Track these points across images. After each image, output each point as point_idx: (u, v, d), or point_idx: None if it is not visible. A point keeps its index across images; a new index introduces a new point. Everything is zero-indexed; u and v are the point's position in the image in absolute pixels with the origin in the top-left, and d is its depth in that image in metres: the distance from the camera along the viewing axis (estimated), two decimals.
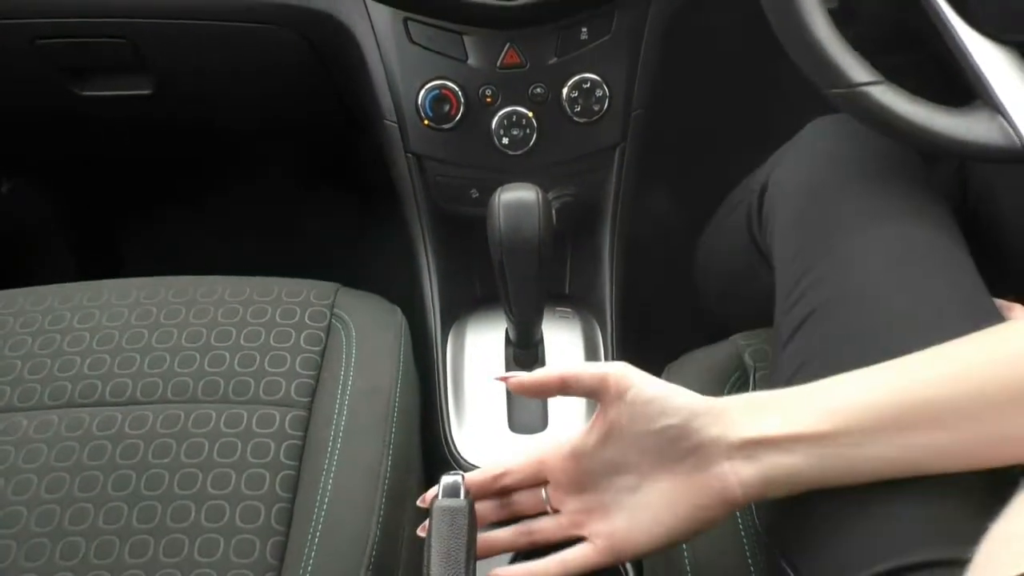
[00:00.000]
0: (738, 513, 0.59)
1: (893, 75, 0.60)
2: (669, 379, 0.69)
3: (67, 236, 1.17)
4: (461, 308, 0.86)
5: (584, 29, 0.79)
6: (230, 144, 1.09)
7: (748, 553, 0.57)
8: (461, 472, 0.51)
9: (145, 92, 0.89)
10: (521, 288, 0.71)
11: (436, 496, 0.49)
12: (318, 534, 0.61)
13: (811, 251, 0.63)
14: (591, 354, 0.81)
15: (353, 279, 0.79)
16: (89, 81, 0.89)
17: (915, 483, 0.46)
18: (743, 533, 0.59)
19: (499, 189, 0.69)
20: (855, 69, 0.59)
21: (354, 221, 1.14)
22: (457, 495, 0.50)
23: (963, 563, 0.39)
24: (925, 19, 0.62)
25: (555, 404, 0.78)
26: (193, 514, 0.62)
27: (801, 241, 0.64)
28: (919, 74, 0.65)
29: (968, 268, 0.60)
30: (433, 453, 0.76)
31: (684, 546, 0.60)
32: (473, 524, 0.49)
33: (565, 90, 0.79)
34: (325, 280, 0.77)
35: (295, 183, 1.21)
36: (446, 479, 0.50)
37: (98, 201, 1.22)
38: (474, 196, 0.82)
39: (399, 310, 0.76)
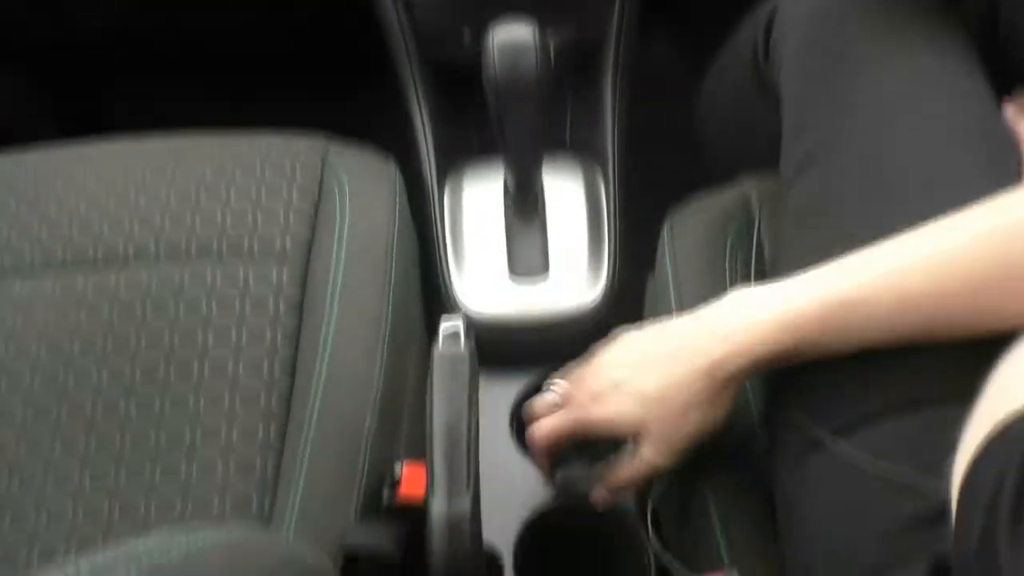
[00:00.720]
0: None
1: None
2: (673, 227, 0.68)
3: (46, 95, 1.13)
4: (457, 159, 0.83)
5: None
6: (208, 5, 1.03)
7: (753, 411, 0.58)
8: (460, 316, 0.50)
9: None
10: (518, 133, 0.68)
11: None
12: (322, 384, 0.61)
13: (819, 82, 0.60)
14: (593, 201, 0.79)
15: (345, 134, 0.76)
16: None
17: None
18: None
19: (493, 27, 0.65)
20: None
21: (343, 78, 1.09)
22: (458, 342, 0.49)
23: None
24: None
25: (556, 248, 0.77)
26: (196, 370, 0.62)
27: (809, 71, 0.61)
28: None
29: (982, 95, 0.56)
30: (434, 303, 0.75)
31: None
32: (475, 369, 0.49)
33: None
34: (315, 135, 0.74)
35: (278, 41, 1.15)
36: (446, 326, 0.49)
37: (80, 79, 1.17)
38: (467, 40, 0.78)
39: (393, 161, 0.74)
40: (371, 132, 0.79)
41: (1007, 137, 0.55)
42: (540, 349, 0.74)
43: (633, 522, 0.65)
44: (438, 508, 0.44)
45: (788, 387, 0.51)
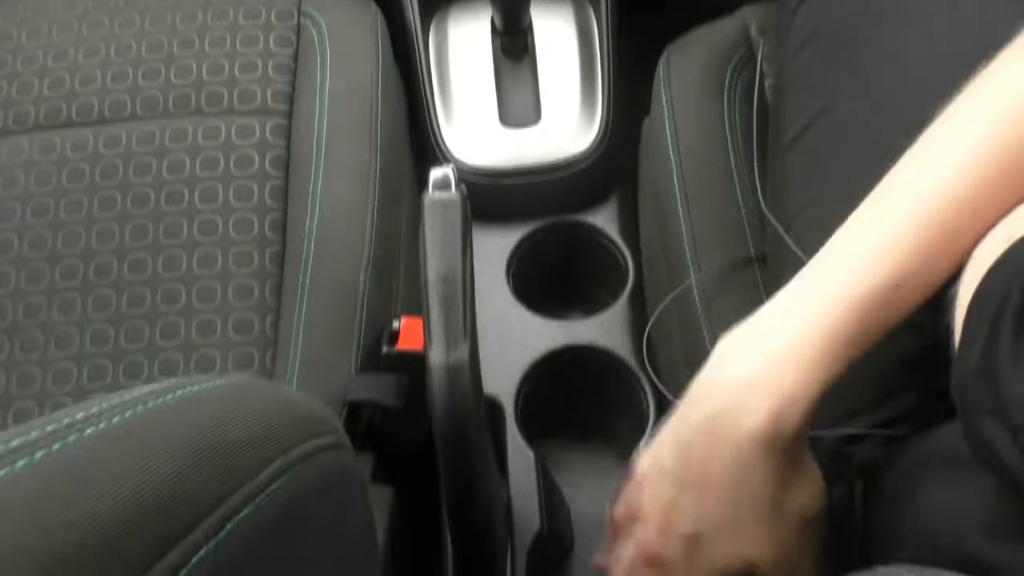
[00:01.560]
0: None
1: None
2: (669, 62, 0.65)
3: None
4: (440, 1, 0.78)
5: None
6: None
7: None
8: (450, 165, 0.49)
9: None
10: None
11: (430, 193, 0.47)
12: (313, 240, 0.60)
13: None
14: (585, 40, 0.76)
15: None
16: None
17: None
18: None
19: None
20: None
21: None
22: (448, 188, 0.48)
23: None
24: None
25: (547, 93, 0.74)
26: (186, 230, 0.61)
27: None
28: None
29: None
30: (423, 154, 0.73)
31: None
32: (467, 216, 0.48)
33: None
34: None
35: None
36: (435, 172, 0.48)
37: None
38: None
39: (374, 4, 0.70)
40: None
41: None
42: (534, 199, 0.73)
43: (631, 369, 0.66)
44: (436, 358, 0.44)
45: (797, 204, 0.49)
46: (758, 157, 0.56)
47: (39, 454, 0.22)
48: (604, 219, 0.73)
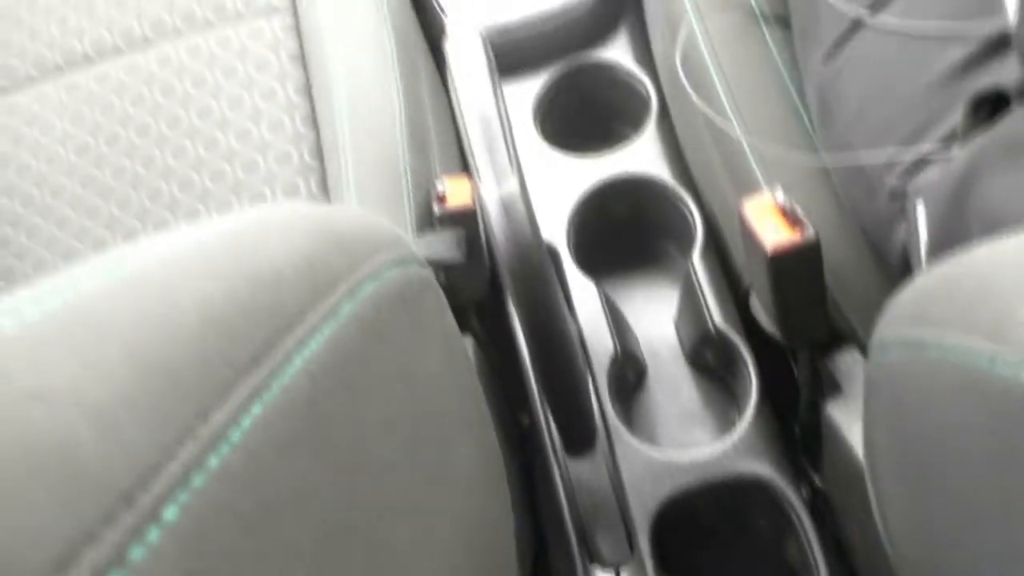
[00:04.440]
0: None
1: None
2: None
3: None
4: None
5: None
6: None
7: None
8: (464, 15, 0.49)
9: None
10: None
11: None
12: (346, 126, 0.62)
13: None
14: None
15: None
16: None
17: None
18: None
19: None
20: None
21: None
22: (467, 35, 0.49)
23: None
24: None
25: None
26: (223, 140, 0.63)
27: None
28: None
29: None
30: (429, 23, 0.73)
31: None
32: (490, 56, 0.49)
33: None
34: None
35: None
36: (452, 21, 0.49)
37: None
38: None
39: None
40: None
41: None
42: (544, 45, 0.73)
43: (673, 190, 0.68)
44: (489, 193, 0.46)
45: None
46: None
47: (83, 287, 0.19)
48: (618, 52, 0.74)
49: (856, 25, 0.45)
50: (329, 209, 0.30)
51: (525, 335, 0.52)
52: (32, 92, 0.66)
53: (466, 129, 0.46)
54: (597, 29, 0.73)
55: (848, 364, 0.52)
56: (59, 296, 0.18)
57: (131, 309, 0.19)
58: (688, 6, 0.58)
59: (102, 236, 0.64)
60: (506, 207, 0.46)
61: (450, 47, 0.48)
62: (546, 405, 0.64)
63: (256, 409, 0.19)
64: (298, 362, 0.22)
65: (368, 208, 0.61)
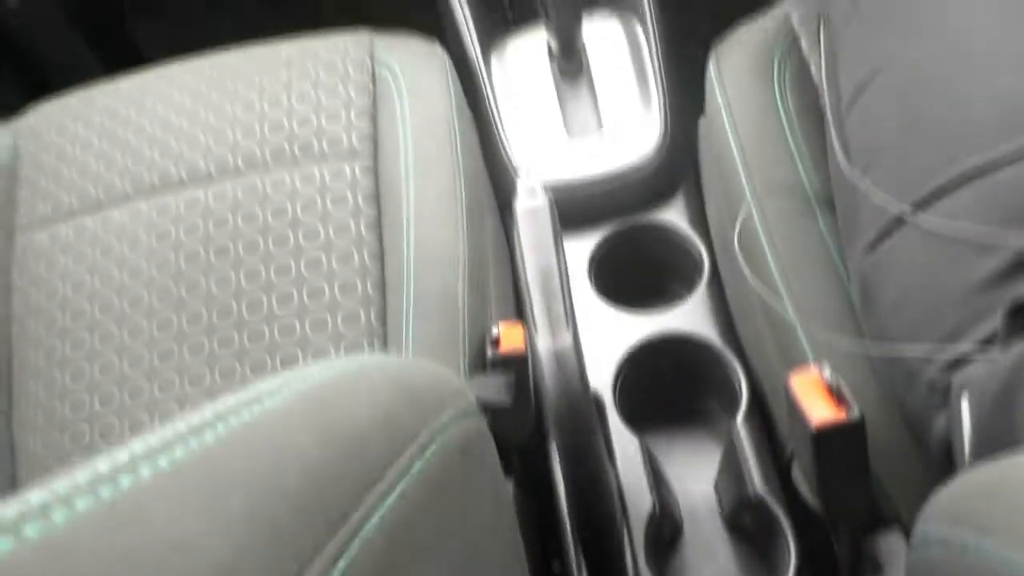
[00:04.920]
0: None
1: None
2: (719, 62, 0.69)
3: (83, 34, 1.15)
4: (496, 33, 0.84)
5: None
6: None
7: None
8: (535, 173, 0.53)
9: None
10: None
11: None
12: (412, 264, 0.65)
13: None
14: (635, 52, 0.80)
15: (382, 25, 0.78)
16: None
17: None
18: None
19: None
20: None
21: None
22: (535, 196, 0.52)
23: None
24: None
25: (606, 104, 0.79)
26: (294, 267, 0.67)
27: None
28: None
29: None
30: (497, 173, 0.78)
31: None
32: (555, 217, 0.52)
33: None
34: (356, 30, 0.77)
35: None
36: (523, 181, 0.53)
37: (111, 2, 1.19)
38: None
39: (438, 43, 0.76)
40: (407, 19, 0.81)
41: None
42: (605, 204, 0.77)
43: (719, 351, 0.69)
44: (544, 344, 0.48)
45: (865, 164, 0.51)
46: (816, 132, 0.60)
47: (191, 444, 0.21)
48: (674, 215, 0.77)
49: (898, 222, 0.47)
50: (403, 363, 0.33)
51: (566, 483, 0.53)
52: (127, 209, 0.71)
53: (527, 283, 0.49)
54: (656, 192, 0.77)
55: (891, 546, 0.51)
56: (185, 446, 0.21)
57: (245, 462, 0.21)
58: (747, 190, 0.61)
59: (169, 348, 0.67)
60: (559, 360, 0.48)
61: (519, 206, 0.51)
62: (580, 555, 0.63)
63: (341, 564, 0.21)
64: (376, 519, 0.23)
65: (424, 346, 0.63)
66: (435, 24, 0.86)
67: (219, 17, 1.12)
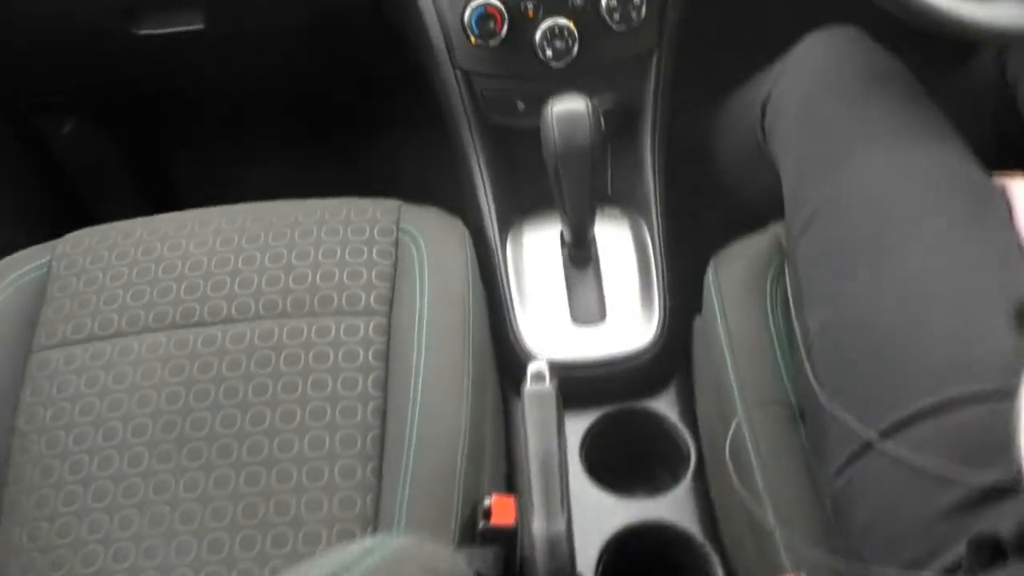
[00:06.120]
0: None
1: None
2: (717, 272, 0.75)
3: (127, 172, 1.22)
4: (514, 215, 0.91)
5: None
6: (277, 78, 1.13)
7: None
8: (544, 360, 0.57)
9: (197, 27, 0.92)
10: (575, 190, 0.76)
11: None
12: (415, 427, 0.68)
13: (812, 157, 0.69)
14: (641, 250, 0.87)
15: (411, 194, 0.84)
16: (143, 19, 0.93)
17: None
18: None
19: (550, 101, 0.73)
20: None
21: (405, 143, 1.18)
22: (544, 381, 0.56)
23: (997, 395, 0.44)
24: None
25: (611, 295, 0.84)
26: (299, 416, 0.70)
27: (803, 148, 0.70)
28: None
29: (962, 153, 0.64)
30: (502, 347, 0.82)
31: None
32: (560, 406, 0.56)
33: (604, 0, 0.81)
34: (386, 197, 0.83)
35: (340, 113, 1.25)
36: (532, 367, 0.56)
37: (154, 137, 1.27)
38: (520, 108, 0.86)
39: (460, 221, 0.82)
40: (433, 186, 0.87)
41: (993, 189, 0.62)
42: (601, 388, 0.82)
43: (700, 543, 0.71)
44: (539, 528, 0.50)
45: (833, 390, 0.57)
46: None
47: None
48: (665, 405, 0.81)
49: (866, 447, 0.51)
50: (413, 546, 0.35)
51: None
52: (147, 340, 0.74)
53: (528, 463, 0.52)
54: (650, 382, 0.82)
55: None
56: None
57: None
58: (738, 403, 0.66)
59: (166, 481, 0.68)
60: (552, 544, 0.50)
61: (528, 389, 0.55)
62: None
63: None
64: None
65: (417, 512, 0.65)
66: (459, 194, 0.93)
67: (259, 176, 1.19)
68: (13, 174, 1.14)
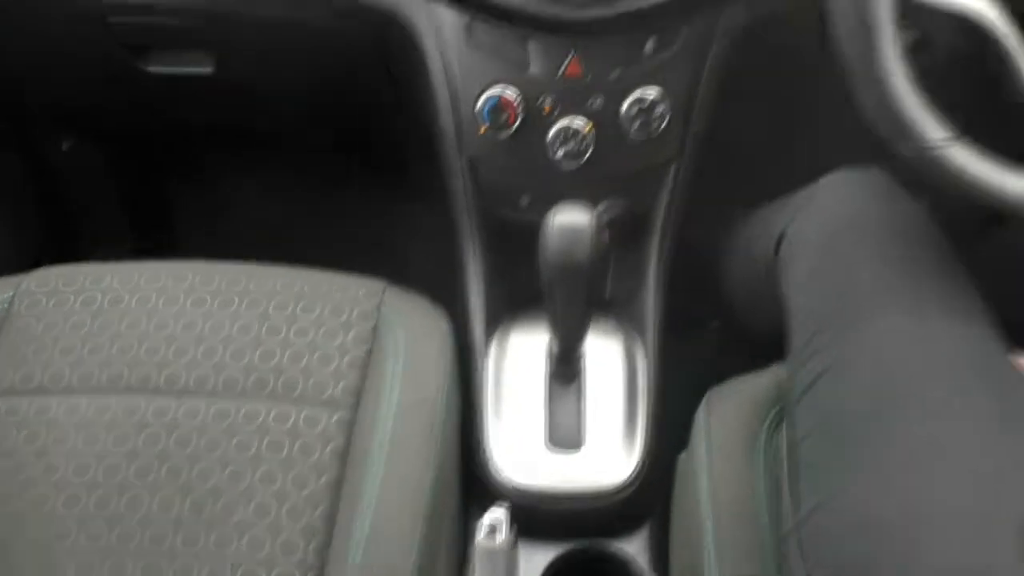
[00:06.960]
0: None
1: (966, 125, 0.60)
2: (710, 408, 0.71)
3: (121, 197, 1.19)
4: (503, 313, 0.87)
5: (650, 42, 0.78)
6: (282, 128, 1.10)
7: None
8: (505, 504, 0.53)
9: (206, 71, 0.89)
10: (568, 306, 0.72)
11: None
12: (361, 543, 0.64)
13: (824, 311, 0.65)
14: (631, 373, 0.83)
15: (398, 272, 0.81)
16: (154, 58, 0.90)
17: None
18: None
19: (553, 211, 0.70)
20: (929, 126, 0.58)
21: (400, 217, 1.15)
22: (498, 533, 0.52)
23: None
24: (998, 62, 0.61)
25: (592, 420, 0.80)
26: (241, 511, 0.65)
27: (815, 300, 0.66)
28: (994, 123, 0.64)
29: (985, 331, 0.60)
30: (471, 467, 0.78)
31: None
32: (513, 561, 0.51)
33: (625, 106, 0.78)
34: (371, 272, 0.79)
35: (342, 171, 1.22)
36: (488, 517, 0.52)
37: (152, 165, 1.24)
38: (524, 204, 0.83)
39: (445, 318, 0.78)
40: (426, 256, 0.84)
41: (1008, 366, 0.59)
42: (568, 522, 0.77)
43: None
44: None
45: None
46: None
47: None
48: (636, 548, 0.77)
49: None
50: None
51: None
52: (96, 402, 0.70)
53: None
54: (623, 521, 0.77)
55: None
56: None
57: None
58: (711, 559, 0.61)
59: (90, 563, 0.64)
60: None
61: (480, 543, 0.50)
62: None
63: None
64: None
65: None
66: (451, 278, 0.89)
67: (255, 211, 1.16)
68: (8, 184, 1.11)
